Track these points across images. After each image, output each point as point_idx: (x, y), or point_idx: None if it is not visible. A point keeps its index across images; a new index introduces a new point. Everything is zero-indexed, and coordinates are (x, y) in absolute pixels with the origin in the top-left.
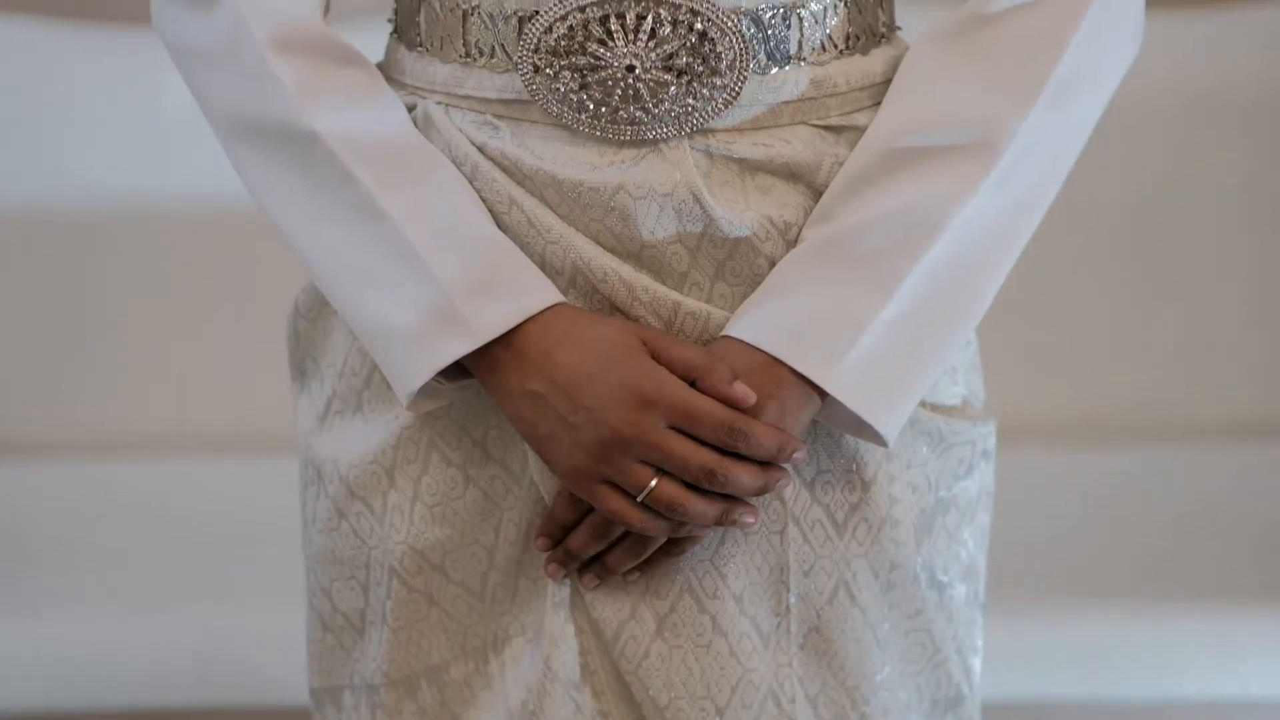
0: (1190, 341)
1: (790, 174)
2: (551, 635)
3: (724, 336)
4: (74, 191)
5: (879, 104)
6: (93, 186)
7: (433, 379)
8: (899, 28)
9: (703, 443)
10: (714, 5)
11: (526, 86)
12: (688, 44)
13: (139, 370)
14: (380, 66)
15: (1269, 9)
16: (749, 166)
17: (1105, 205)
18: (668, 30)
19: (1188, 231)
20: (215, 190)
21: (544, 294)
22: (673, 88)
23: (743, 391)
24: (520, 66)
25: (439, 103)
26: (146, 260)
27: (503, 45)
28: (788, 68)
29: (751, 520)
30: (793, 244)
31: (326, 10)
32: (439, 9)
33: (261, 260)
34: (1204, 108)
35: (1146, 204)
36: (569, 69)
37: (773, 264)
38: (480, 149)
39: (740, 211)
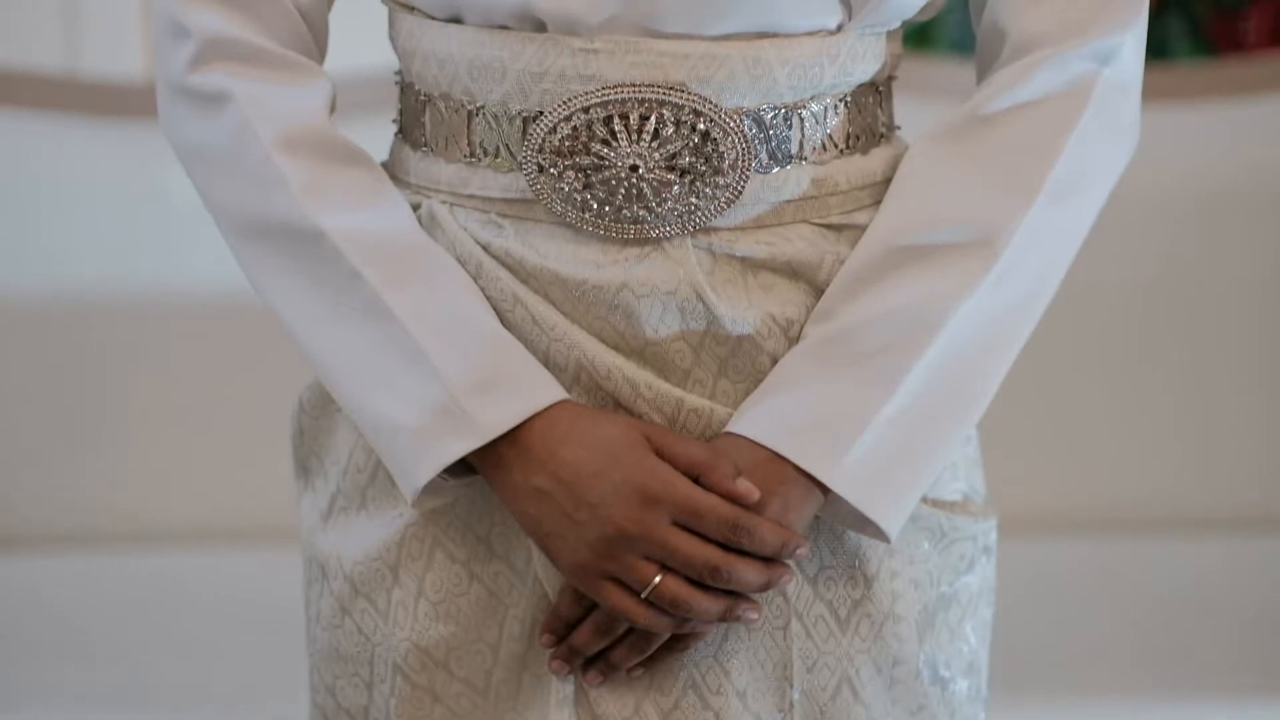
0: (1192, 434)
1: (792, 272)
2: None
3: (727, 433)
4: (78, 283)
5: (879, 202)
6: (97, 278)
7: (438, 476)
8: (898, 127)
9: (706, 539)
10: (716, 106)
11: (531, 186)
12: (690, 144)
13: (139, 462)
14: (385, 165)
15: (1273, 101)
16: (751, 264)
17: (1104, 297)
18: (671, 130)
19: (1189, 323)
20: (220, 284)
21: (548, 391)
22: (676, 187)
23: (746, 488)
24: (524, 166)
25: (444, 201)
26: (151, 352)
27: (507, 145)
28: (789, 167)
29: (755, 615)
30: (795, 341)
31: (332, 109)
32: (444, 110)
33: (266, 354)
34: (1205, 199)
35: (1146, 296)
36: (573, 169)
37: (775, 361)
38: (485, 247)
39: (743, 309)
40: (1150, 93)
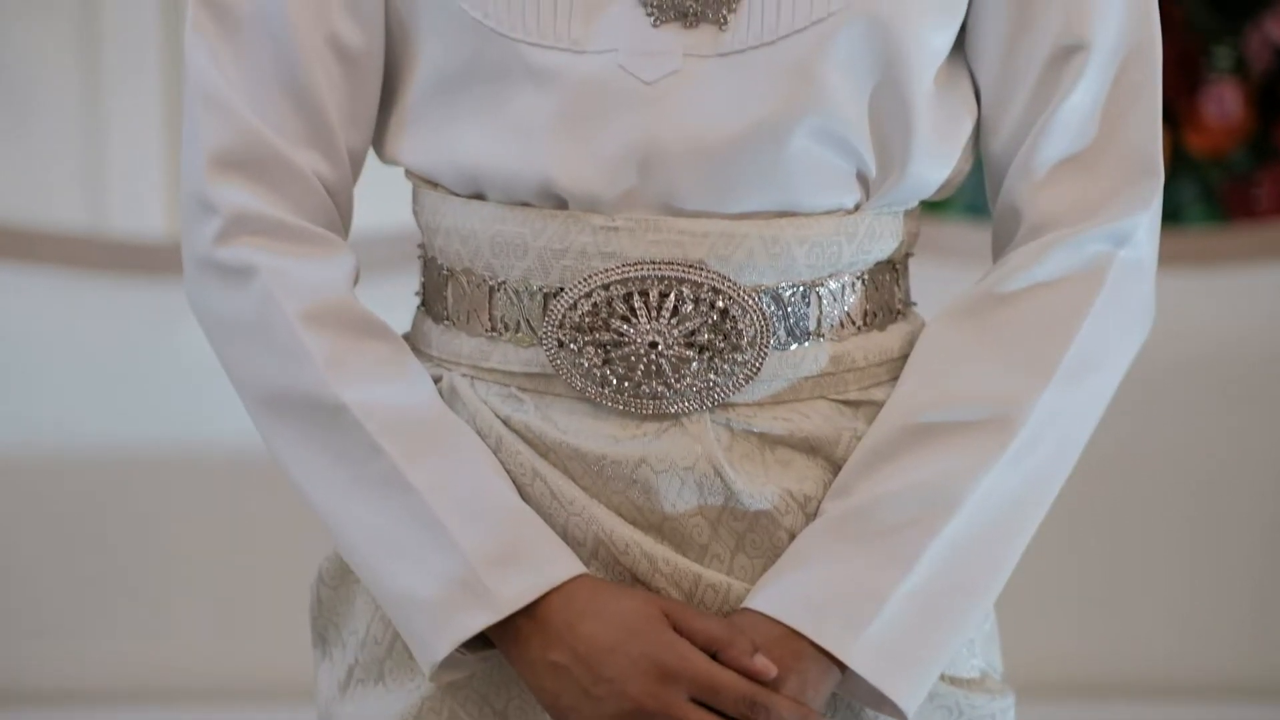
0: (1203, 600)
1: (810, 448)
2: None
3: (745, 609)
4: (98, 438)
5: (896, 379)
6: (116, 434)
7: (456, 650)
8: (914, 303)
9: (724, 715)
10: (735, 283)
11: (551, 361)
12: (709, 321)
13: (152, 621)
14: (407, 338)
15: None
16: (769, 440)
17: (1113, 461)
18: (690, 308)
19: (1200, 489)
20: (242, 444)
21: (566, 565)
22: (694, 363)
23: (764, 664)
24: (545, 341)
25: (464, 375)
26: (171, 511)
27: (528, 320)
28: (807, 344)
29: None
30: (812, 517)
31: (355, 281)
32: (466, 284)
33: (284, 516)
34: (1218, 364)
35: (1156, 461)
36: (592, 344)
37: (793, 537)
38: (505, 421)
39: (761, 485)
40: (1163, 257)
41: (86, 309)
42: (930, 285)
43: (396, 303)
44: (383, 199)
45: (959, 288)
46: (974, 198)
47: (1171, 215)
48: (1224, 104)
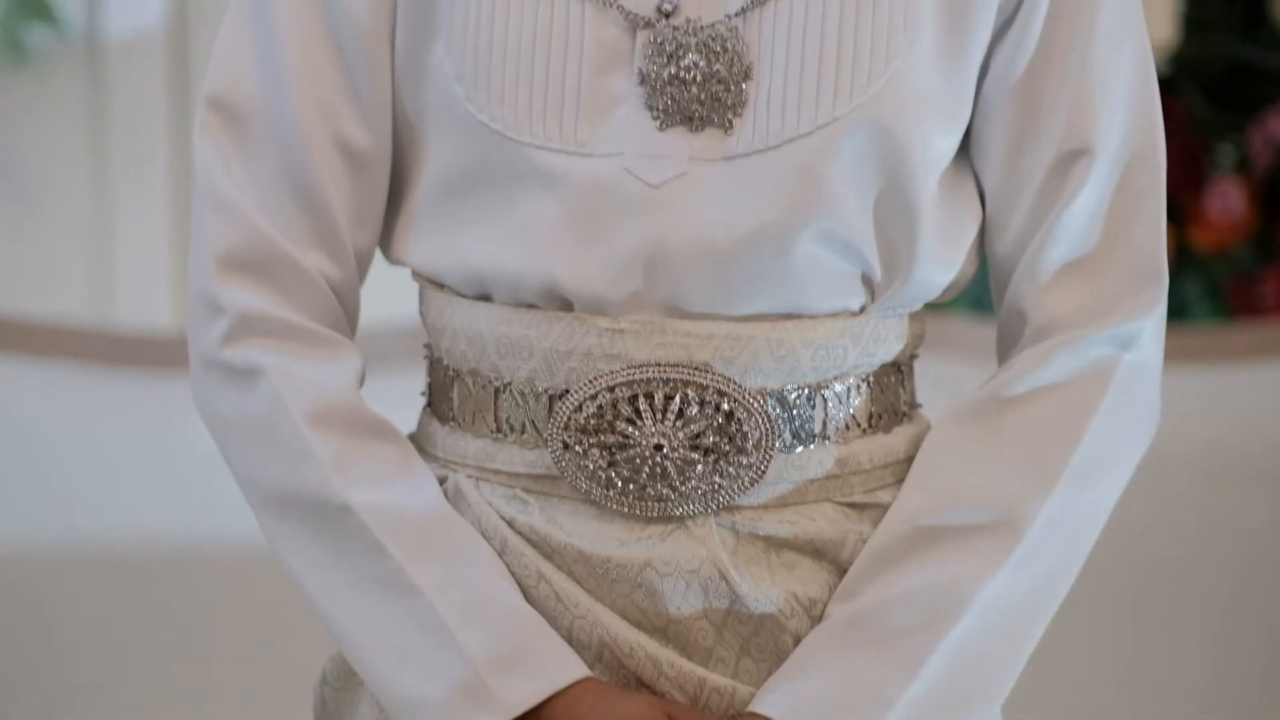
0: (1198, 697)
1: (815, 551)
2: None
3: (749, 713)
4: (104, 533)
5: (902, 481)
6: (121, 528)
7: None
8: (919, 405)
9: None
10: (740, 386)
11: (556, 463)
12: (715, 424)
13: (155, 717)
14: (413, 438)
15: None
16: (774, 543)
17: (1117, 560)
18: (695, 410)
19: (1204, 588)
20: (247, 539)
21: (571, 669)
22: (700, 466)
23: None
24: (550, 443)
25: (469, 476)
26: (173, 606)
27: (533, 422)
28: (813, 446)
29: None
30: (818, 620)
31: (361, 382)
32: (471, 385)
33: (288, 612)
34: (1222, 462)
35: (1161, 560)
36: (597, 447)
37: (798, 640)
38: (509, 523)
39: (766, 588)
40: (1167, 354)
41: (92, 402)
42: (933, 380)
43: (403, 396)
44: (391, 293)
45: (962, 382)
46: (977, 292)
47: (1176, 311)
48: (1228, 201)
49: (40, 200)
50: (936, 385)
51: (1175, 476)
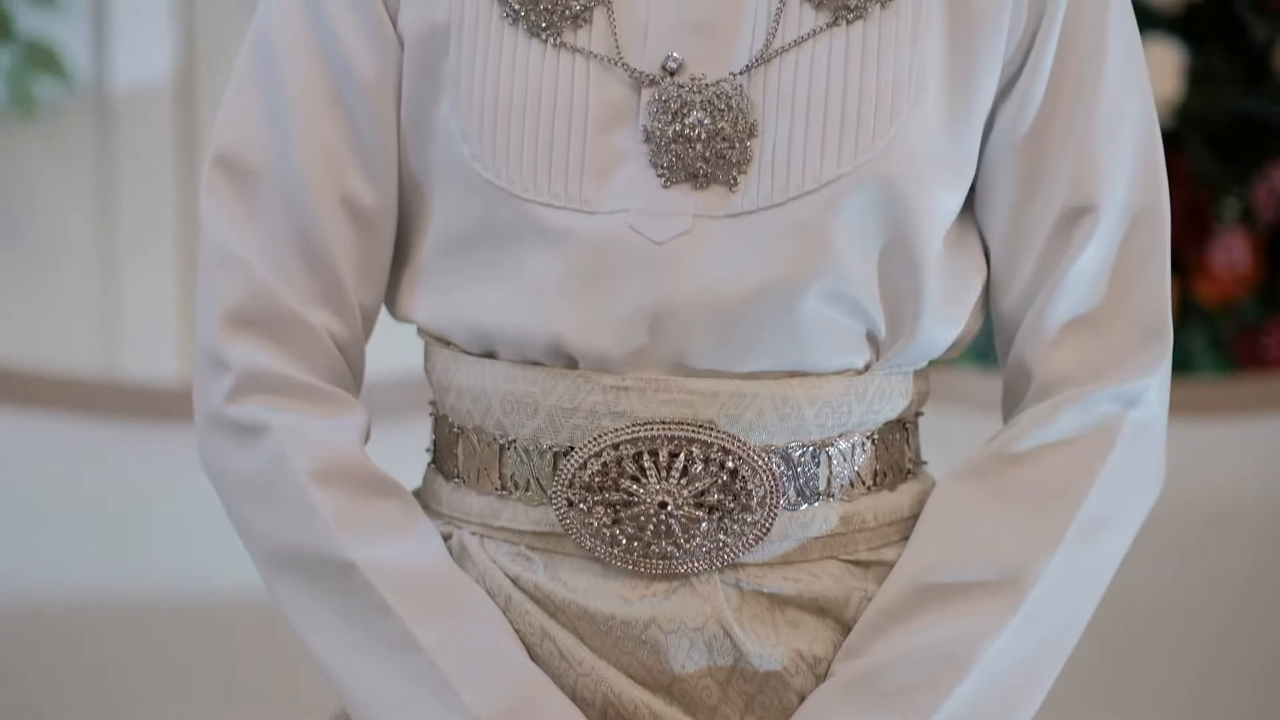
0: None
1: (820, 609)
2: None
3: None
4: (101, 584)
5: (906, 538)
6: (121, 580)
7: None
8: (925, 462)
9: None
10: (745, 444)
11: (560, 520)
12: (719, 481)
13: None
14: (417, 494)
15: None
16: (779, 601)
17: (1120, 612)
18: (699, 468)
19: (1206, 641)
20: (255, 591)
21: None
22: (704, 524)
23: None
24: (554, 500)
25: (474, 533)
26: (178, 659)
27: (538, 479)
28: (817, 504)
29: None
30: (822, 678)
31: (366, 439)
32: (476, 442)
33: (291, 667)
34: (1226, 515)
35: (1163, 612)
36: (602, 504)
37: (803, 698)
38: (514, 581)
39: (770, 646)
40: (1172, 407)
41: (98, 454)
42: (938, 432)
43: (407, 448)
44: (396, 345)
45: (967, 435)
46: (982, 345)
47: (1181, 364)
48: (1232, 254)
49: (47, 251)
50: (941, 437)
51: (1180, 528)
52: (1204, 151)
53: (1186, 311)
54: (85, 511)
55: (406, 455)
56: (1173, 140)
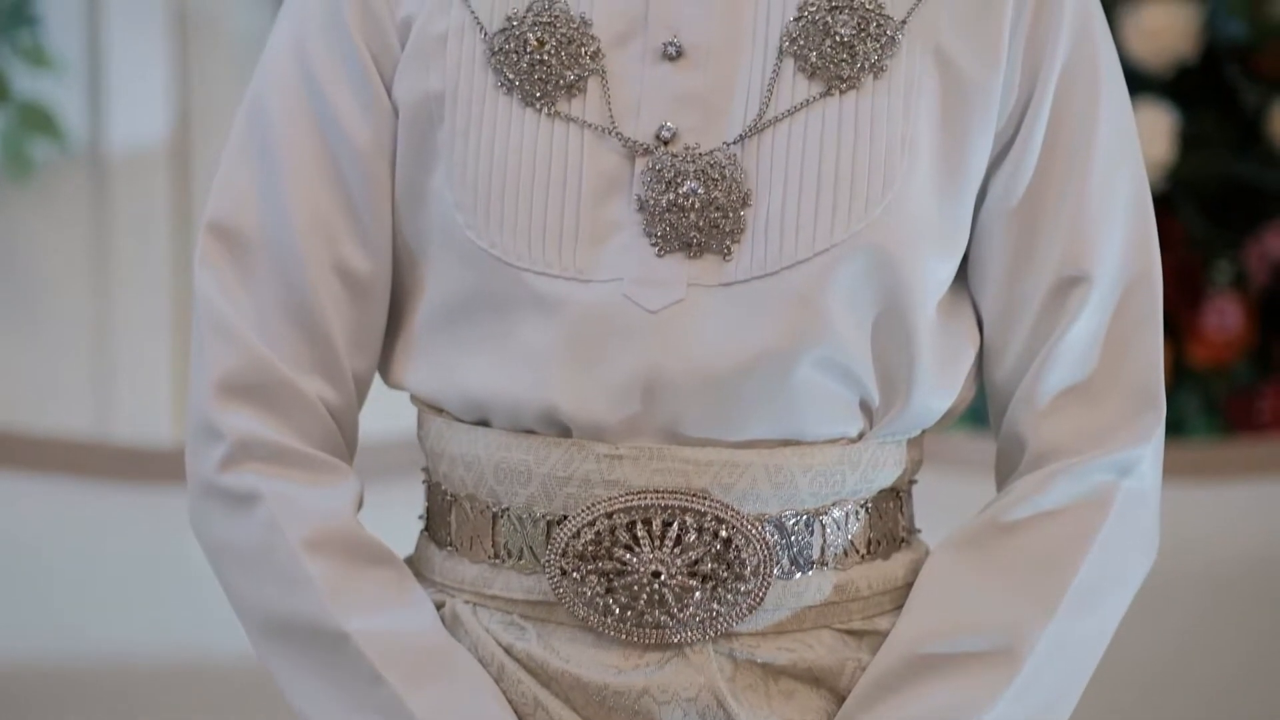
0: None
1: (813, 678)
2: None
3: None
4: (95, 647)
5: (900, 607)
6: (115, 643)
7: None
8: (918, 530)
9: None
10: (738, 513)
11: (553, 589)
12: (713, 550)
13: None
14: (410, 561)
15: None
16: (772, 670)
17: (1115, 677)
18: (693, 537)
19: (1202, 706)
20: (246, 654)
21: None
22: (698, 593)
23: None
24: (548, 569)
25: (467, 601)
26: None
27: (531, 548)
28: (811, 573)
29: None
30: None
31: (359, 506)
32: (469, 510)
33: None
34: (1219, 579)
35: (1159, 677)
36: (595, 573)
37: None
38: (507, 650)
39: (764, 716)
40: (1165, 469)
41: (91, 516)
42: (931, 496)
43: (400, 511)
44: (389, 407)
45: (960, 498)
46: (976, 408)
47: (1174, 427)
48: (1225, 317)
49: (41, 312)
50: (934, 501)
51: (1173, 593)
52: (1196, 215)
53: (1179, 374)
54: (78, 574)
55: (399, 517)
56: (1165, 204)
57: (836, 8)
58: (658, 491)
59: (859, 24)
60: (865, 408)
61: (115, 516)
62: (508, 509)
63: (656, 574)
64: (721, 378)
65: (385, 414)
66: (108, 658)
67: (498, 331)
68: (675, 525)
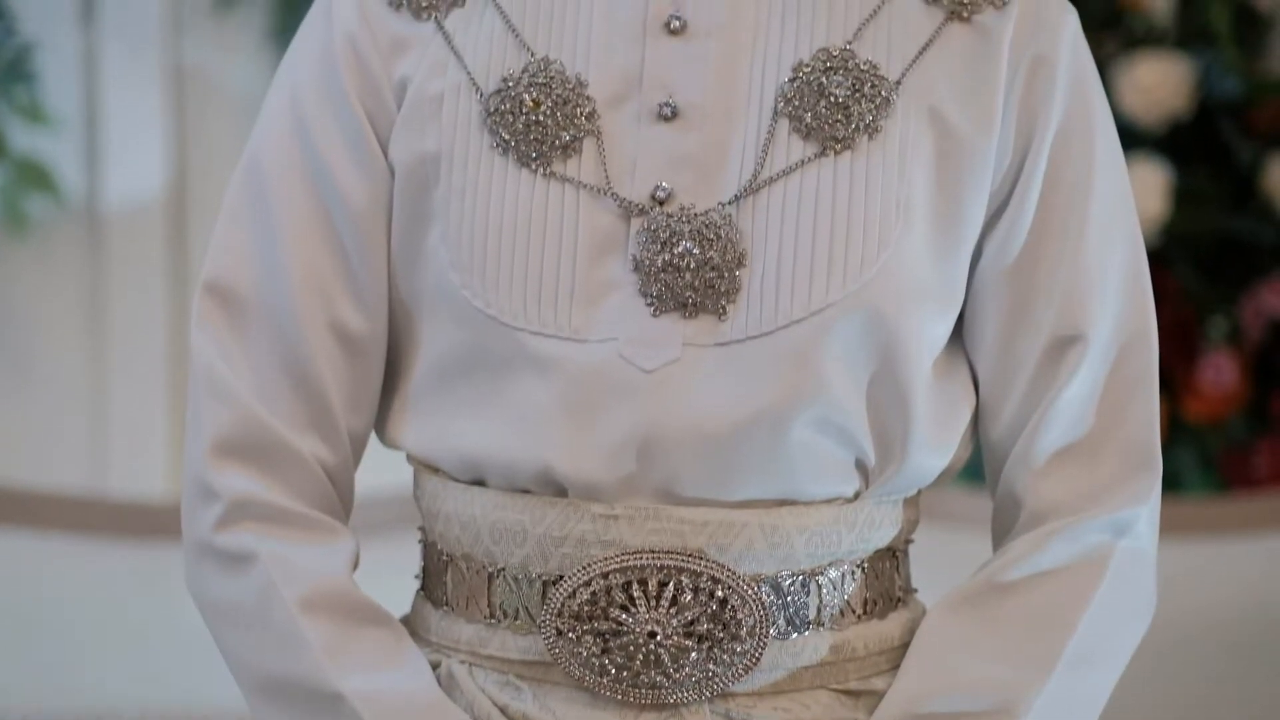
0: None
1: None
2: None
3: None
4: (89, 703)
5: (897, 667)
6: (109, 699)
7: None
8: (915, 589)
9: None
10: (734, 573)
11: (549, 649)
12: (709, 611)
13: None
14: (406, 621)
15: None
16: None
17: None
18: (689, 597)
19: None
20: (238, 712)
21: None
22: (694, 653)
23: None
24: (543, 629)
25: (463, 661)
26: None
27: (526, 608)
28: (807, 633)
29: None
30: None
31: (355, 565)
32: (465, 570)
33: None
34: (1215, 635)
35: None
36: (591, 633)
37: None
38: (503, 710)
39: None
40: (1161, 525)
41: (85, 572)
42: (927, 551)
43: (397, 567)
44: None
45: (956, 554)
46: (972, 463)
47: (1170, 482)
48: (1220, 373)
49: (37, 367)
50: (930, 557)
51: (1169, 648)
52: (1191, 271)
53: (1175, 430)
54: (71, 630)
55: (395, 573)
56: (1160, 259)
57: (831, 68)
58: (653, 552)
59: (854, 85)
60: (861, 467)
61: (110, 571)
62: (503, 569)
63: (652, 634)
64: (717, 437)
65: (380, 469)
66: (101, 713)
67: (493, 391)
68: (671, 585)
